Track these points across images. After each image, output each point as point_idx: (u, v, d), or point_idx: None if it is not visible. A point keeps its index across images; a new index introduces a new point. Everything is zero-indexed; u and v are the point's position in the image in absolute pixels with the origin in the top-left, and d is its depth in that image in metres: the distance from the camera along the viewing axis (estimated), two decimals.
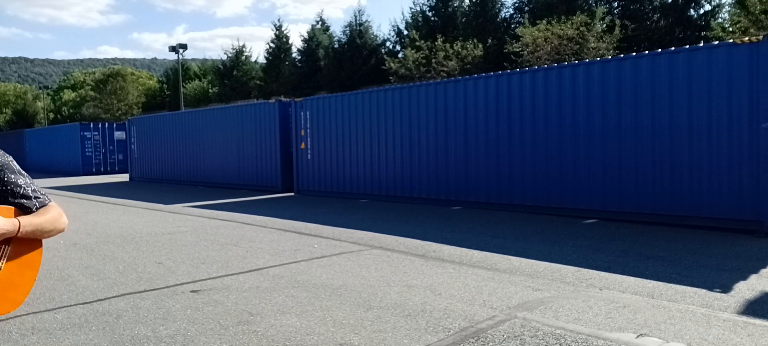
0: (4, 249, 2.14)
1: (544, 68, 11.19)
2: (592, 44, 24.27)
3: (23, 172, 2.30)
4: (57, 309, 5.18)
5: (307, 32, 42.56)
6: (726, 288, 5.52)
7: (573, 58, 23.17)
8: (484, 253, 7.41)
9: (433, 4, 34.88)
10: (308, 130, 16.14)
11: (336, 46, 39.38)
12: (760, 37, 8.47)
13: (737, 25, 21.57)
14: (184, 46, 44.34)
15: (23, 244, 2.20)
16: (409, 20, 36.50)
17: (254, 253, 7.69)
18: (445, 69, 28.31)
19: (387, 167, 14.04)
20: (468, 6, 33.76)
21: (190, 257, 7.49)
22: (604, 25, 25.71)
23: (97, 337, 4.43)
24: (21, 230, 2.13)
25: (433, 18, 34.72)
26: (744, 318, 4.65)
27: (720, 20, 25.95)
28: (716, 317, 4.68)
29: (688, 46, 9.54)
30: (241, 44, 53.16)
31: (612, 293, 5.45)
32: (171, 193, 17.66)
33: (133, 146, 24.57)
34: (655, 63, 9.57)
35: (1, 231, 2.05)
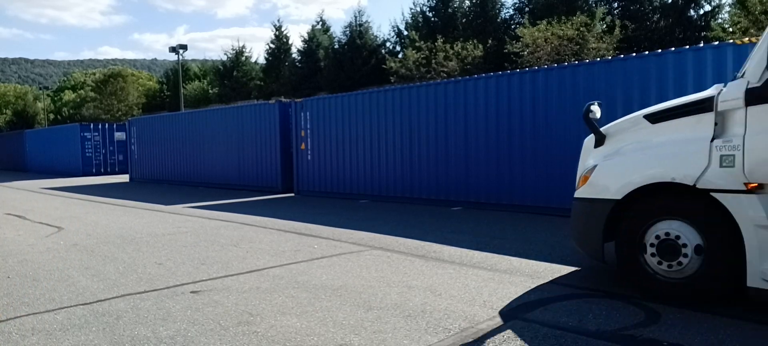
0: None
1: (543, 68, 11.22)
2: (592, 45, 24.30)
3: None
4: (57, 310, 5.18)
5: (307, 33, 42.59)
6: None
7: (573, 59, 23.17)
8: (484, 253, 7.40)
9: (433, 4, 34.91)
10: (308, 131, 16.14)
11: (336, 46, 39.39)
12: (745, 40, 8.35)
13: (737, 26, 21.58)
14: (184, 47, 44.39)
15: None
16: (410, 21, 36.54)
17: (254, 254, 7.68)
18: (446, 69, 28.32)
19: (387, 168, 14.04)
20: (468, 6, 33.79)
21: (190, 257, 7.49)
22: (604, 26, 25.72)
23: (97, 338, 4.42)
24: None
25: (433, 19, 34.75)
26: None
27: (720, 20, 25.96)
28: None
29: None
30: (241, 45, 53.18)
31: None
32: (171, 193, 17.66)
33: (133, 147, 24.57)
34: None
35: None
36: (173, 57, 48.81)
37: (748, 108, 4.66)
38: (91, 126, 31.75)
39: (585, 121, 5.87)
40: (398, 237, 8.75)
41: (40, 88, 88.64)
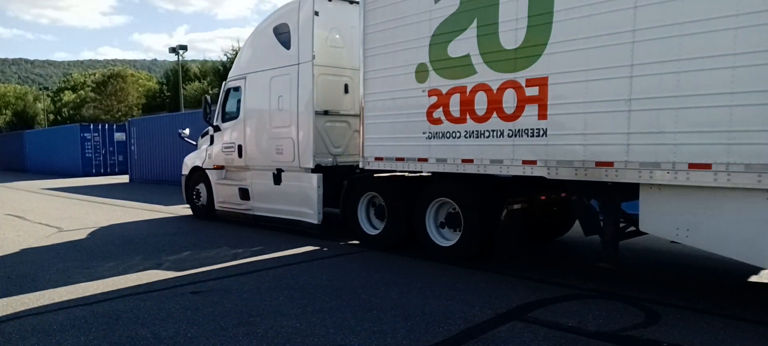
0: None
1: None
2: None
3: None
4: (57, 310, 5.17)
5: None
6: None
7: None
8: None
9: None
10: None
11: None
12: None
13: None
14: (184, 48, 44.39)
15: None
16: None
17: (255, 254, 7.68)
18: None
19: None
20: None
21: (191, 258, 7.49)
22: None
23: (97, 338, 4.42)
24: None
25: None
26: None
27: None
28: None
29: None
30: (241, 45, 53.06)
31: None
32: (171, 194, 17.63)
33: (133, 148, 24.55)
34: None
35: None
36: (173, 57, 48.89)
37: (214, 133, 10.76)
38: (91, 127, 31.72)
39: (180, 138, 12.82)
40: None
41: (40, 89, 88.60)
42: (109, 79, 66.46)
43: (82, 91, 75.48)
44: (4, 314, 5.11)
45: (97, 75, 79.12)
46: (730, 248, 4.76)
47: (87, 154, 30.60)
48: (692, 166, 4.73)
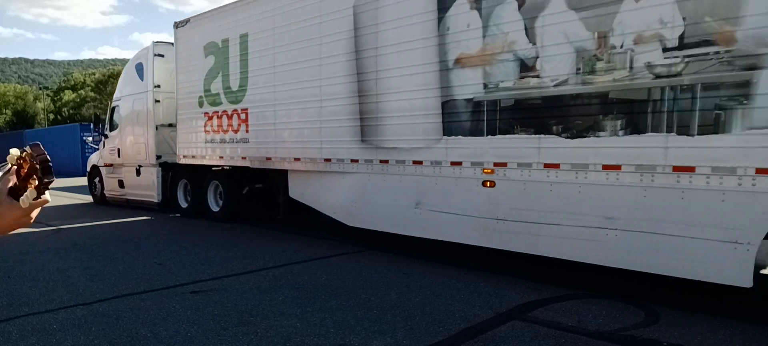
0: None
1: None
2: None
3: None
4: (57, 310, 5.18)
5: None
6: None
7: None
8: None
9: None
10: None
11: None
12: None
13: None
14: None
15: None
16: None
17: (254, 254, 7.69)
18: None
19: None
20: None
21: (191, 257, 7.49)
22: None
23: (97, 338, 4.42)
24: None
25: None
26: None
27: None
28: None
29: None
30: None
31: None
32: None
33: None
34: None
35: None
36: None
37: (105, 140, 14.08)
38: (91, 126, 31.73)
39: (86, 143, 19.55)
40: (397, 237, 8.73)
41: (40, 88, 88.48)
42: (110, 79, 66.32)
43: (82, 91, 75.40)
44: (5, 313, 5.12)
45: (97, 74, 79.06)
46: (317, 204, 8.58)
47: (87, 154, 30.53)
48: (295, 159, 8.68)
